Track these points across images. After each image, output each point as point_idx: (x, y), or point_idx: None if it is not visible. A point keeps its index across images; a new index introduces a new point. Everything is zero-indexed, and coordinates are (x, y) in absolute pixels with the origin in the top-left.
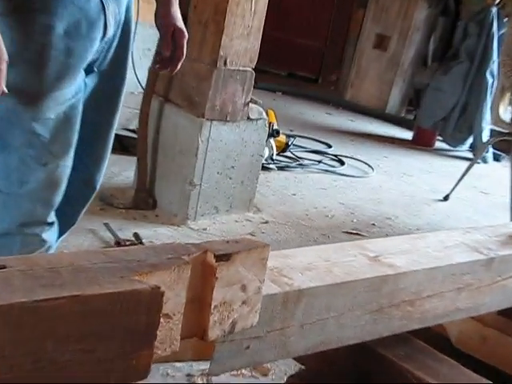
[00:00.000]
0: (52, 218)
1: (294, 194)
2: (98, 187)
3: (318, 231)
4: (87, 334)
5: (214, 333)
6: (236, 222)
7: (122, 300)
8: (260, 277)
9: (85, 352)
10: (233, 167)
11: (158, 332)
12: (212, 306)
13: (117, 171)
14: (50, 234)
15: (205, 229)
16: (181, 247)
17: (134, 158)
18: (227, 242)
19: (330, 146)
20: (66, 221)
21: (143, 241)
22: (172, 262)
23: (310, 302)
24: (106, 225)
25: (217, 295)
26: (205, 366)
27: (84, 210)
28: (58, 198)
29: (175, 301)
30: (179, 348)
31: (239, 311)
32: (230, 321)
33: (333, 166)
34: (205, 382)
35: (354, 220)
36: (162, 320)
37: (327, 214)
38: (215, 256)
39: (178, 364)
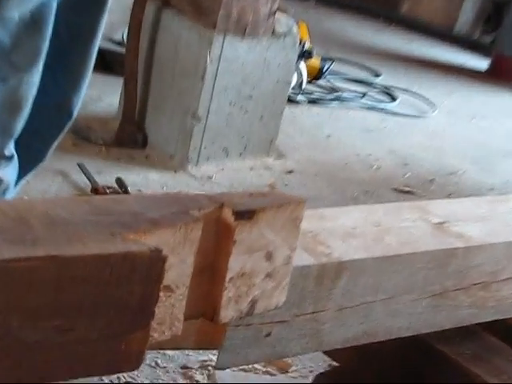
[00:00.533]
0: (10, 150)
1: (329, 136)
2: (75, 113)
3: (359, 186)
4: (65, 307)
5: (227, 313)
6: (251, 169)
7: (111, 264)
8: (291, 243)
9: (60, 331)
10: (250, 97)
11: (155, 309)
12: (227, 279)
13: (96, 96)
14: (8, 172)
15: (210, 177)
16: (189, 199)
17: (120, 80)
18: (250, 194)
19: (377, 75)
20: (32, 156)
21: (129, 189)
22: (178, 218)
23: (353, 278)
24: (80, 166)
25: (234, 264)
26: (205, 356)
27: (55, 143)
28: (19, 125)
29: (180, 269)
30: (182, 331)
31: (262, 287)
32: (249, 299)
33: (381, 102)
34: (206, 377)
35: (407, 174)
36: (161, 294)
37: (372, 165)
38: (234, 212)
39: (170, 352)
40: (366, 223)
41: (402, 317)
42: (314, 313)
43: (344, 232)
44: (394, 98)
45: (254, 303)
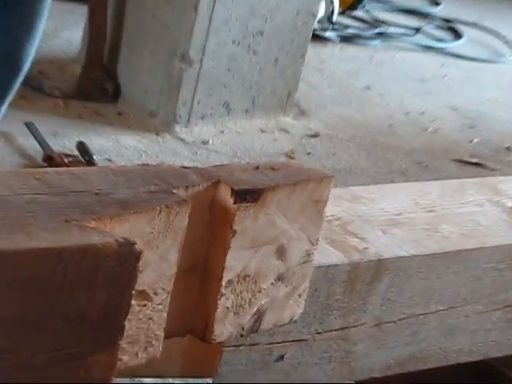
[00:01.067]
0: None
1: (368, 88)
2: (26, 67)
3: (408, 156)
4: (2, 319)
5: (223, 329)
6: (262, 132)
7: (65, 262)
8: (311, 234)
9: None
10: (260, 33)
11: (125, 323)
12: (223, 282)
13: (51, 29)
14: None
15: (205, 142)
16: (173, 173)
17: (83, 8)
18: (256, 167)
19: (437, 3)
20: None
21: (94, 158)
22: (156, 200)
23: (397, 282)
24: (28, 126)
25: (233, 263)
26: None
27: (5, 104)
28: None
29: (159, 269)
30: (162, 353)
31: (271, 293)
32: (254, 310)
33: (440, 40)
34: None
35: (475, 140)
36: (134, 302)
37: (426, 127)
38: (234, 192)
39: (146, 380)
40: (415, 207)
41: (462, 336)
42: (342, 329)
43: (385, 219)
44: (458, 36)
45: (260, 316)
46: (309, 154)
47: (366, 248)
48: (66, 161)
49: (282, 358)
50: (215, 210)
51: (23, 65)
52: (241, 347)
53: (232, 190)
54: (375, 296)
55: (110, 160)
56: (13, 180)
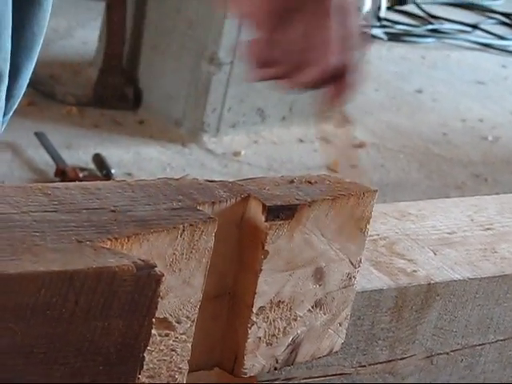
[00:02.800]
0: None
1: (420, 92)
2: (20, 95)
3: (465, 168)
4: (5, 351)
5: (254, 362)
6: (301, 141)
7: (77, 287)
8: (353, 255)
9: None
10: None
11: (145, 355)
12: (254, 309)
13: (64, 28)
14: None
15: (237, 153)
16: (198, 188)
17: (100, 5)
18: (291, 180)
19: None
20: None
21: (112, 171)
22: (180, 218)
23: (450, 309)
24: (38, 136)
25: (265, 287)
26: None
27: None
28: None
29: (183, 295)
30: None
31: (307, 321)
32: (289, 340)
33: (501, 38)
34: None
35: None
36: (154, 331)
37: (485, 135)
38: (265, 208)
39: None
40: (470, 225)
41: None
42: (389, 362)
43: (437, 238)
44: None
45: (296, 346)
46: (354, 166)
47: (414, 271)
48: (80, 175)
49: None
50: (245, 228)
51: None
52: (275, 382)
53: (263, 206)
54: (426, 324)
55: (129, 174)
56: (19, 196)
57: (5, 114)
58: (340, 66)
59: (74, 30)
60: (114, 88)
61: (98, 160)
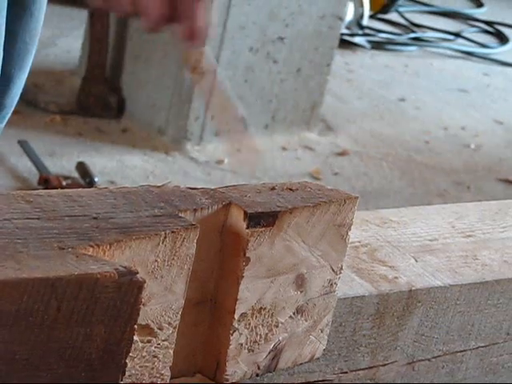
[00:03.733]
0: None
1: (403, 100)
2: (13, 104)
3: (448, 176)
4: None
5: (236, 368)
6: (283, 149)
7: (59, 294)
8: (334, 261)
9: None
10: (281, 39)
11: (127, 361)
12: (236, 316)
13: (48, 37)
14: None
15: (219, 161)
16: (179, 195)
17: (82, 13)
18: (272, 187)
19: (479, 5)
20: None
21: (96, 179)
22: (161, 225)
23: (431, 316)
24: (21, 144)
25: (247, 294)
26: None
27: None
28: None
29: (165, 302)
30: None
31: (289, 328)
32: (271, 346)
33: (484, 46)
34: None
35: None
36: (136, 338)
37: (468, 143)
38: (247, 215)
39: None
40: (451, 232)
41: (506, 375)
42: (371, 368)
43: (418, 245)
44: (503, 41)
45: (277, 353)
46: (336, 174)
47: (396, 277)
48: (63, 183)
49: None
50: (226, 235)
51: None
52: None
53: (245, 213)
54: (407, 331)
55: (112, 182)
56: (2, 203)
57: None
58: (183, 7)
59: (57, 39)
60: (97, 96)
61: (82, 168)
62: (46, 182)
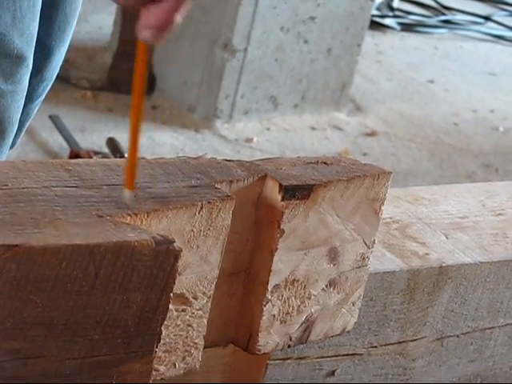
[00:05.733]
0: None
1: (432, 82)
2: (54, 77)
3: (475, 158)
4: (28, 323)
5: (268, 339)
6: (312, 129)
7: (97, 260)
8: (367, 236)
9: (22, 358)
10: (312, 20)
11: (162, 329)
12: (269, 287)
13: (80, 13)
14: None
15: (249, 140)
16: (216, 166)
17: None
18: (307, 161)
19: None
20: None
21: (126, 155)
22: (198, 195)
23: (461, 292)
24: (53, 120)
25: (280, 266)
26: None
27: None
28: None
29: (200, 271)
30: (201, 364)
31: (321, 300)
32: (303, 318)
33: None
34: None
35: None
36: (171, 306)
37: (496, 126)
38: (282, 188)
39: None
40: (482, 210)
41: None
42: (400, 343)
43: (449, 223)
44: None
45: (309, 325)
46: (365, 154)
47: (427, 254)
48: (94, 158)
49: (332, 373)
50: (261, 207)
51: (44, 76)
52: (288, 360)
53: (280, 185)
54: (437, 307)
55: (143, 159)
56: (41, 171)
57: (37, 97)
58: None
59: (88, 15)
60: (128, 73)
61: (112, 144)
62: (76, 157)
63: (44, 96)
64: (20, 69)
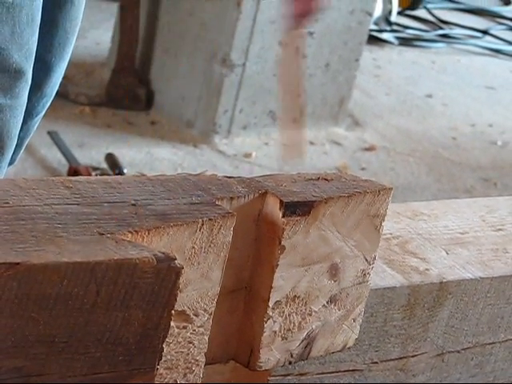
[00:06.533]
0: None
1: (430, 96)
2: (53, 93)
3: (475, 172)
4: (28, 341)
5: (270, 356)
6: (311, 144)
7: (98, 278)
8: (368, 252)
9: (22, 376)
10: (310, 34)
11: (164, 346)
12: (270, 304)
13: (79, 29)
14: None
15: (248, 154)
16: (216, 183)
17: (113, 6)
18: (309, 178)
19: (507, 2)
20: None
21: (125, 171)
22: (199, 212)
23: (461, 308)
24: (51, 135)
25: (281, 282)
26: None
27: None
28: None
29: (201, 288)
30: (202, 380)
31: (322, 316)
32: (304, 334)
33: (511, 44)
34: None
35: None
36: (173, 323)
37: (495, 140)
38: (283, 204)
39: None
40: (482, 225)
41: None
42: (401, 359)
43: (449, 238)
44: None
45: (310, 341)
46: (363, 169)
47: (427, 269)
48: (93, 174)
49: None
50: (262, 223)
51: (44, 92)
52: (288, 377)
53: (281, 202)
54: (437, 323)
55: (143, 175)
56: (42, 189)
57: (37, 114)
58: None
59: (87, 31)
60: (126, 88)
61: (111, 159)
62: (75, 173)
63: (44, 113)
64: (19, 83)
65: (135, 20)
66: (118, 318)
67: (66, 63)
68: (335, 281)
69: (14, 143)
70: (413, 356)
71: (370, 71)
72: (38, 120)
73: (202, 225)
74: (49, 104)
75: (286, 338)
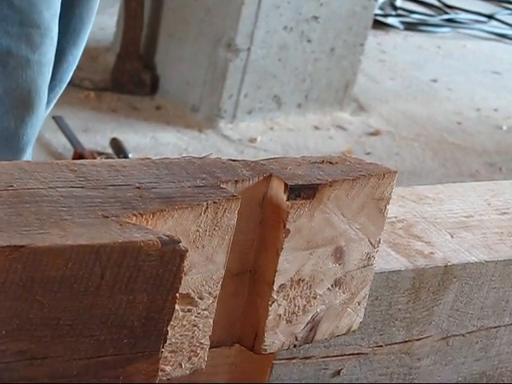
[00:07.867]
0: None
1: (435, 81)
2: (65, 80)
3: (480, 157)
4: (33, 324)
5: (274, 339)
6: (316, 128)
7: (103, 261)
8: (372, 235)
9: (27, 359)
10: (315, 19)
11: (168, 329)
12: (275, 287)
13: None
14: None
15: (253, 139)
16: (221, 166)
17: None
18: (314, 161)
19: None
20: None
21: (130, 155)
22: (203, 195)
23: (466, 291)
24: (57, 121)
25: (286, 266)
26: None
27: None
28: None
29: (205, 271)
30: (207, 364)
31: (327, 299)
32: (308, 318)
33: None
34: None
35: None
36: (177, 307)
37: (500, 125)
38: (287, 187)
39: None
40: (487, 209)
41: None
42: (406, 342)
43: (454, 222)
44: None
45: (315, 324)
46: (368, 153)
47: (432, 253)
48: (98, 159)
49: (338, 373)
50: (267, 207)
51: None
52: (293, 360)
53: (285, 185)
54: (442, 306)
55: (148, 159)
56: (46, 172)
57: (49, 102)
58: None
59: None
60: (131, 73)
61: (116, 144)
62: (80, 157)
63: (55, 101)
64: (47, 41)
65: (140, 5)
66: (122, 301)
67: (80, 52)
68: (340, 264)
69: (44, 103)
70: (418, 339)
71: (375, 56)
72: (49, 108)
73: (207, 208)
74: (60, 92)
75: (291, 322)
